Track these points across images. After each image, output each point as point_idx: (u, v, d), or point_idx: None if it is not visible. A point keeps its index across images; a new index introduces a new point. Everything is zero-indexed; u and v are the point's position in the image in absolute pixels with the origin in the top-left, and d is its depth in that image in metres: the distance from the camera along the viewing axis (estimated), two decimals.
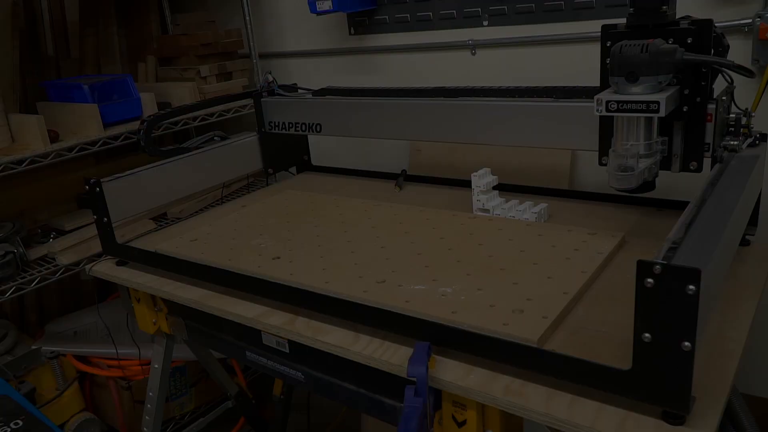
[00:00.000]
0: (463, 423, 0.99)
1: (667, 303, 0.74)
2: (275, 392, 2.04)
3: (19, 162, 1.74)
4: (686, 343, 0.75)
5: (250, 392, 2.22)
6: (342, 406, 2.46)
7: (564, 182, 1.81)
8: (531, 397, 0.89)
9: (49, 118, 1.86)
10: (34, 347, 2.03)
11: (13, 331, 2.12)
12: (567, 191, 1.57)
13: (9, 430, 1.20)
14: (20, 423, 1.23)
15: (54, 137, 1.83)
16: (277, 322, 1.19)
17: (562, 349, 0.93)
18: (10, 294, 1.76)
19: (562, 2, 1.72)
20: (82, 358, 2.10)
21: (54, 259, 1.91)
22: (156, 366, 1.68)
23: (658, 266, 0.74)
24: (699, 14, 1.47)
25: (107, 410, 2.14)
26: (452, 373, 0.97)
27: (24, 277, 1.82)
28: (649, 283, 0.75)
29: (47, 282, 1.84)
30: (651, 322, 0.76)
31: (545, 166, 1.82)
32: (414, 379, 0.93)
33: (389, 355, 1.04)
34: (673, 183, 1.35)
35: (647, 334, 0.77)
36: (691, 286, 0.72)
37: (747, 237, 1.29)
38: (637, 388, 0.81)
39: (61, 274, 1.87)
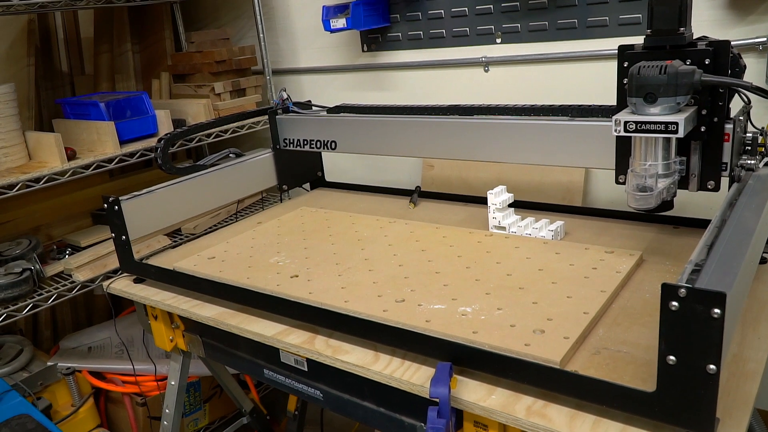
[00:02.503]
0: None
1: (692, 326, 0.75)
2: (290, 408, 2.04)
3: (37, 180, 1.75)
4: (711, 366, 0.75)
5: (263, 407, 2.22)
6: (355, 423, 2.46)
7: (578, 199, 1.81)
8: (554, 418, 0.90)
9: (66, 135, 1.89)
10: (50, 363, 2.04)
11: (28, 347, 2.13)
12: (582, 208, 1.57)
13: None
14: None
15: (71, 155, 1.85)
16: (296, 341, 1.19)
17: (584, 369, 0.93)
18: (27, 311, 1.77)
19: (576, 20, 1.73)
20: (97, 374, 2.11)
21: (70, 275, 1.93)
22: (173, 383, 1.69)
23: (683, 290, 0.74)
24: (713, 33, 1.49)
25: (122, 426, 2.15)
26: (474, 393, 0.97)
27: (41, 294, 1.83)
28: (674, 306, 0.75)
29: (63, 299, 1.85)
30: (676, 345, 0.77)
31: (559, 183, 1.83)
32: (437, 399, 0.93)
33: (410, 375, 1.04)
34: (688, 200, 1.35)
35: (672, 357, 0.77)
36: (717, 310, 0.73)
37: (764, 255, 1.29)
38: (661, 411, 0.81)
39: (77, 290, 1.88)
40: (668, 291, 0.75)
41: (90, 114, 1.98)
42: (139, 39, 2.58)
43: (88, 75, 2.60)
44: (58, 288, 1.87)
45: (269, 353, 1.32)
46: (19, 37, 2.42)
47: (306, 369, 1.27)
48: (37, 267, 1.88)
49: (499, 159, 1.50)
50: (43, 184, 1.76)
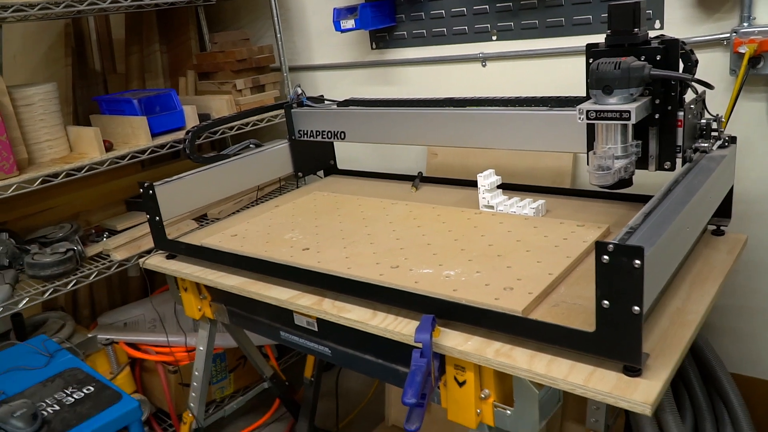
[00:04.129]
0: (464, 383, 1.18)
1: (619, 275, 0.92)
2: (306, 375, 2.24)
3: (79, 169, 1.97)
4: (636, 308, 0.92)
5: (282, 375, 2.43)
6: (367, 393, 2.66)
7: (566, 182, 1.98)
8: (517, 358, 1.08)
9: (102, 129, 2.09)
10: (90, 335, 2.26)
11: (70, 322, 2.35)
12: (565, 189, 1.74)
13: (83, 394, 1.42)
14: (92, 389, 1.45)
15: (109, 147, 2.06)
16: (306, 303, 1.39)
17: (543, 318, 1.11)
18: (72, 286, 1.99)
19: (563, 19, 1.89)
20: (133, 346, 2.32)
21: (108, 255, 2.14)
22: (201, 348, 1.90)
23: (611, 246, 0.92)
24: (684, 30, 1.66)
25: (155, 392, 2.37)
26: (453, 340, 1.15)
27: (83, 272, 2.05)
28: (605, 259, 0.93)
29: (103, 276, 2.07)
30: (608, 292, 0.94)
31: (549, 168, 2.00)
32: (420, 344, 1.12)
33: (401, 328, 1.23)
34: (663, 182, 1.51)
35: (606, 302, 0.95)
36: (637, 261, 0.90)
37: (722, 228, 1.45)
38: (600, 346, 0.99)
39: (115, 268, 2.09)
40: (600, 247, 0.93)
41: (124, 110, 2.19)
42: (167, 40, 2.79)
43: (120, 74, 2.82)
44: (98, 266, 2.08)
45: (284, 317, 1.52)
46: (57, 40, 2.65)
47: (316, 329, 1.46)
48: (79, 248, 2.10)
49: (494, 145, 1.67)
50: (85, 173, 1.98)
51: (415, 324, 1.23)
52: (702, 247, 1.39)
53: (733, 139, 1.40)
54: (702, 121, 1.37)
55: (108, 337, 2.26)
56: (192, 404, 1.94)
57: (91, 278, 2.04)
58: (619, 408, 1.77)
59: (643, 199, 1.60)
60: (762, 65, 1.56)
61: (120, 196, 2.51)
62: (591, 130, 1.39)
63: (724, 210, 1.42)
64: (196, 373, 1.92)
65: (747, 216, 1.70)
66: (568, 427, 2.05)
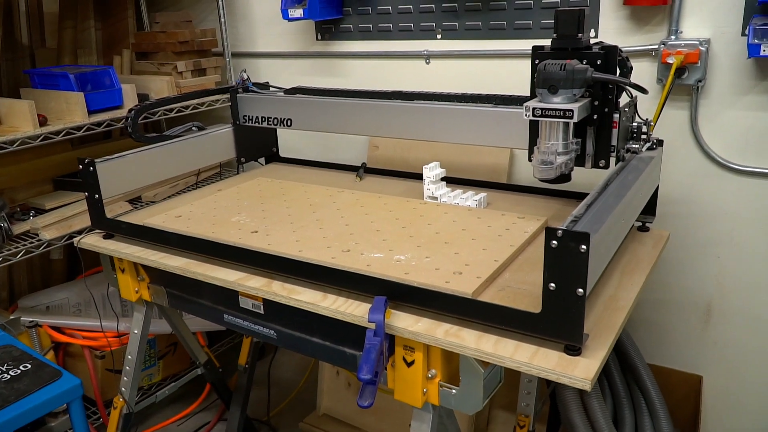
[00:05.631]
0: (412, 363, 1.22)
1: (566, 259, 0.99)
2: (240, 362, 2.24)
3: (11, 143, 1.88)
4: (580, 290, 1.00)
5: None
6: (299, 382, 2.68)
7: (503, 178, 2.07)
8: (465, 338, 1.14)
9: (35, 103, 2.01)
10: (12, 317, 2.17)
11: None
12: (504, 184, 1.83)
13: (19, 371, 1.37)
14: (29, 366, 1.40)
15: (42, 121, 1.98)
16: (256, 285, 1.40)
17: (491, 301, 1.17)
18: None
19: (505, 22, 1.98)
20: (58, 329, 2.24)
21: (37, 234, 2.06)
22: (135, 332, 1.86)
23: (560, 231, 0.99)
24: (617, 39, 1.77)
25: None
26: (404, 321, 1.20)
27: (9, 250, 1.96)
28: (554, 244, 1.00)
29: (31, 255, 1.99)
30: (555, 274, 1.01)
31: (487, 164, 2.08)
32: (374, 324, 1.16)
33: (352, 310, 1.26)
34: (595, 180, 1.61)
35: (552, 284, 1.02)
36: (583, 246, 0.98)
37: (647, 225, 1.57)
38: (545, 327, 1.06)
39: (44, 247, 2.02)
40: (550, 233, 1.00)
41: (59, 84, 2.11)
42: (102, 17, 2.70)
43: (50, 48, 2.70)
44: (26, 245, 2.00)
45: (229, 300, 1.52)
46: None
47: (262, 311, 1.47)
48: (6, 225, 2.01)
49: (436, 138, 1.73)
50: (16, 147, 1.89)
51: (365, 306, 1.27)
52: (629, 242, 1.50)
53: (660, 142, 1.52)
54: (633, 124, 1.47)
55: (32, 319, 2.17)
56: (123, 389, 1.90)
57: (18, 257, 1.96)
58: (545, 395, 1.88)
59: (575, 195, 1.71)
60: (686, 75, 1.70)
61: (48, 174, 2.41)
62: (534, 127, 1.46)
63: (650, 208, 1.54)
64: (129, 357, 1.88)
65: (665, 216, 1.84)
66: (495, 414, 2.15)
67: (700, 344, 1.94)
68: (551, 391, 1.77)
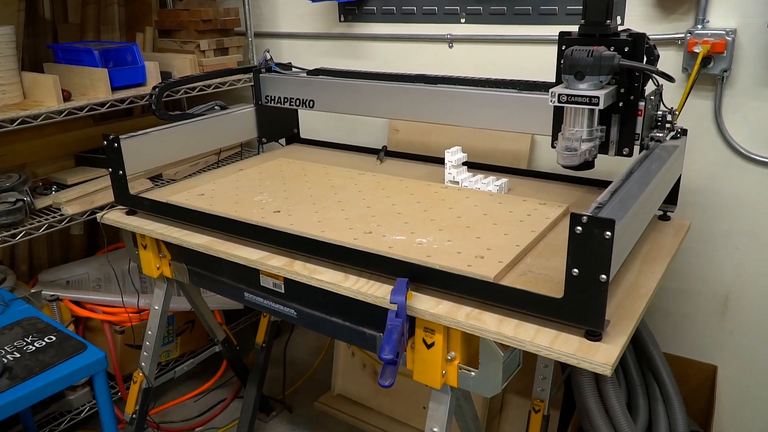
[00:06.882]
0: (432, 345, 1.24)
1: (590, 245, 1.00)
2: (258, 340, 2.27)
3: (35, 117, 1.91)
4: (603, 276, 1.01)
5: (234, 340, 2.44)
6: (314, 362, 2.71)
7: (524, 164, 2.06)
8: (487, 321, 1.15)
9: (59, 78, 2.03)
10: (33, 291, 2.20)
11: (11, 276, 2.28)
12: (525, 170, 1.83)
13: (44, 343, 1.40)
14: (54, 338, 1.43)
15: (66, 96, 2.00)
16: (278, 264, 1.41)
17: (513, 285, 1.18)
18: (20, 237, 1.93)
19: (530, 8, 1.96)
20: (78, 304, 2.28)
21: (59, 209, 2.09)
22: (156, 308, 1.88)
23: (585, 217, 0.99)
24: (642, 27, 1.76)
25: None
26: (425, 304, 1.21)
27: (32, 224, 1.99)
28: (578, 230, 1.00)
29: (54, 229, 2.02)
30: (578, 260, 1.02)
31: (508, 150, 2.08)
32: (395, 305, 1.17)
33: (374, 291, 1.27)
34: (615, 168, 1.61)
35: (575, 270, 1.03)
36: (608, 233, 0.98)
37: (668, 214, 1.57)
38: (567, 312, 1.07)
39: (66, 222, 2.05)
40: (575, 218, 1.00)
41: (83, 60, 2.12)
42: None
43: (72, 24, 2.71)
44: (48, 219, 2.03)
45: (250, 278, 1.54)
46: None
47: (283, 291, 1.49)
48: (29, 199, 2.03)
49: (458, 123, 1.73)
50: (40, 121, 1.92)
51: (386, 288, 1.28)
52: (650, 230, 1.50)
53: (684, 132, 1.51)
54: (658, 112, 1.47)
55: (54, 293, 2.21)
56: (143, 363, 1.93)
57: (40, 231, 1.99)
58: (560, 380, 1.89)
59: (596, 183, 1.71)
60: (712, 65, 1.68)
61: (70, 149, 2.44)
62: (558, 114, 1.46)
63: (672, 197, 1.54)
64: (150, 333, 1.91)
65: (686, 205, 1.83)
66: (509, 399, 2.16)
67: (716, 334, 1.94)
68: (566, 376, 1.78)
